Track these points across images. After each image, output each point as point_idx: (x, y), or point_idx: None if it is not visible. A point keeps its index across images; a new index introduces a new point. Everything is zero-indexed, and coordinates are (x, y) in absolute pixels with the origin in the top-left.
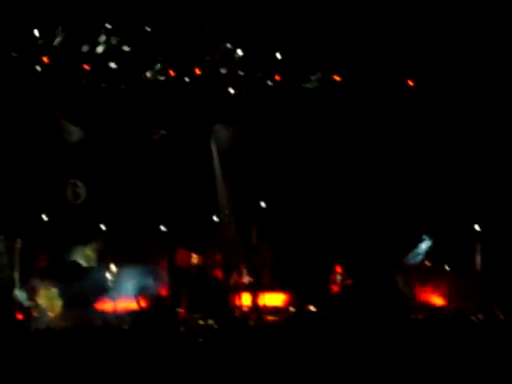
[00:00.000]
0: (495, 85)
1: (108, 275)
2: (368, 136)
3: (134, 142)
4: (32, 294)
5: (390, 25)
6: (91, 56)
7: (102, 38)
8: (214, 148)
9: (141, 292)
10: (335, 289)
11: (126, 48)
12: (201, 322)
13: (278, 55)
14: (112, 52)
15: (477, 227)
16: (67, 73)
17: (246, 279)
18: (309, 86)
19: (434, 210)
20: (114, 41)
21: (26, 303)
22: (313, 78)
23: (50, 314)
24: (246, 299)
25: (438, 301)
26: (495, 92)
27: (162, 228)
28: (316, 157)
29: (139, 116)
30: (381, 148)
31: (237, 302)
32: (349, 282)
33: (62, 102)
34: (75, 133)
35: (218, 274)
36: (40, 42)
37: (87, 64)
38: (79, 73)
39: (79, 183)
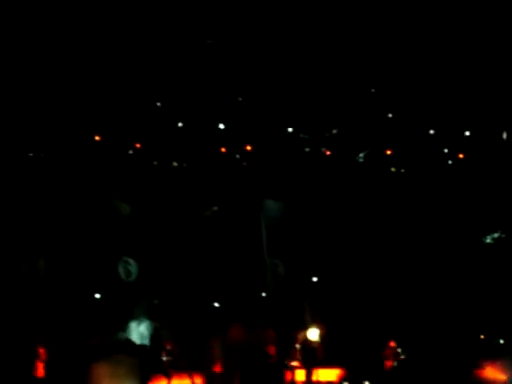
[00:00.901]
0: None
1: (163, 354)
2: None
3: (186, 219)
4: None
5: None
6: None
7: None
8: (263, 222)
9: (194, 369)
10: (389, 364)
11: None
12: None
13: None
14: (163, 130)
15: None
16: (119, 151)
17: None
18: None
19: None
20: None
21: None
22: (361, 154)
23: None
24: (300, 375)
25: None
26: None
27: (216, 304)
28: (366, 229)
29: (190, 193)
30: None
31: (290, 378)
32: (402, 357)
33: (114, 180)
34: (126, 210)
35: (272, 350)
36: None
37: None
38: (130, 150)
39: (131, 261)
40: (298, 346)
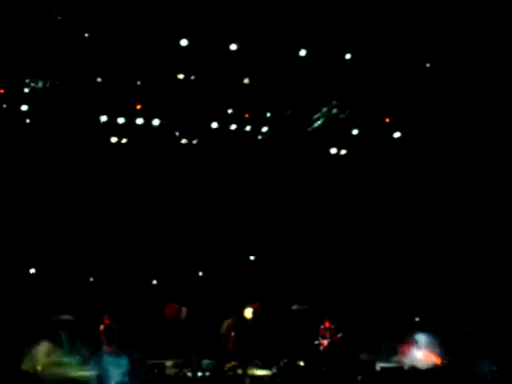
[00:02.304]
0: None
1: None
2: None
3: (126, 193)
4: None
5: None
6: None
7: None
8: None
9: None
10: (324, 343)
11: None
12: (189, 374)
13: None
14: None
15: None
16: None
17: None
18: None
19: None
20: None
21: None
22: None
23: None
24: (236, 353)
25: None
26: None
27: (154, 282)
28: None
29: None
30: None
31: (226, 356)
32: (337, 336)
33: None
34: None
35: (209, 326)
36: None
37: None
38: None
39: None
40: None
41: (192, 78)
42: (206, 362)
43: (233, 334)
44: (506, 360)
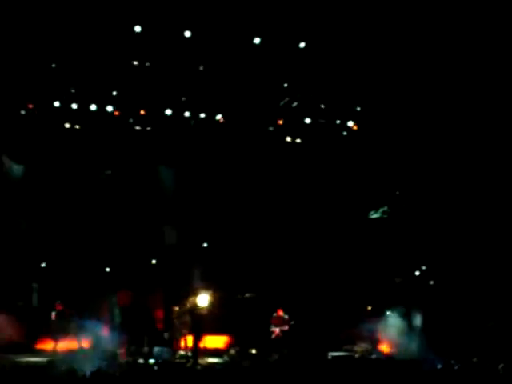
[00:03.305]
0: None
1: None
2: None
3: (79, 182)
4: None
5: None
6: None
7: None
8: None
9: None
10: (276, 331)
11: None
12: (141, 361)
13: None
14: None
15: None
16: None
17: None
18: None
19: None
20: None
21: None
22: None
23: None
24: (188, 341)
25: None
26: None
27: (107, 269)
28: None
29: (83, 156)
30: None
31: (178, 344)
32: (290, 324)
33: (6, 141)
34: (19, 171)
35: (160, 314)
36: None
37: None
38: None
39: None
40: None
41: (147, 64)
42: (157, 349)
43: (187, 319)
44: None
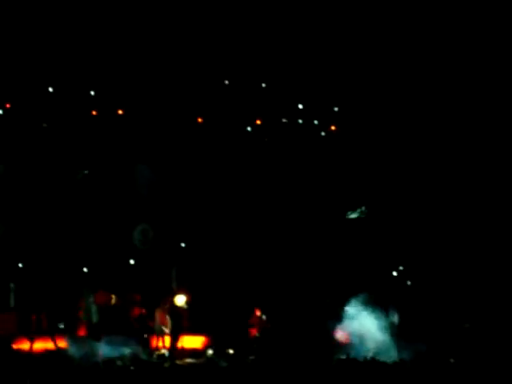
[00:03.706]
0: None
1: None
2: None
3: (57, 182)
4: None
5: None
6: None
7: None
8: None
9: (58, 332)
10: (254, 332)
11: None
12: (119, 363)
13: None
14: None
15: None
16: None
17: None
18: None
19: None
20: None
21: None
22: None
23: None
24: (166, 341)
25: None
26: None
27: (84, 270)
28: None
29: (61, 156)
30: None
31: (156, 344)
32: (268, 325)
33: None
34: None
35: (138, 314)
36: None
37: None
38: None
39: None
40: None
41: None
42: (134, 349)
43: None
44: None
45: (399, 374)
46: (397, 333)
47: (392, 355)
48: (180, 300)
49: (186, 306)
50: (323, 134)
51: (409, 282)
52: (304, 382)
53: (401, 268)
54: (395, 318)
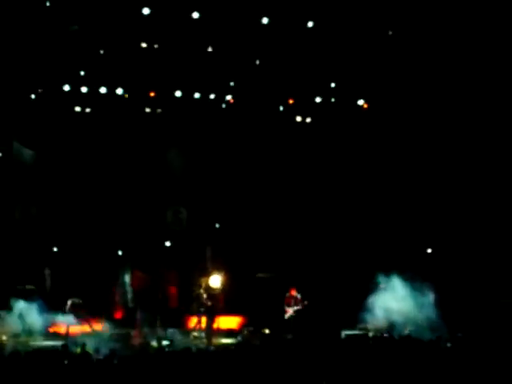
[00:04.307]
0: None
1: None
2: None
3: (90, 167)
4: None
5: None
6: None
7: None
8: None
9: (95, 315)
10: (289, 311)
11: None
12: (154, 345)
13: None
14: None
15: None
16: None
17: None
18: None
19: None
20: None
21: None
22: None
23: None
24: (202, 322)
25: None
26: None
27: (119, 252)
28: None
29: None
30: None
31: (192, 325)
32: (303, 304)
33: (17, 126)
34: (30, 156)
35: (173, 295)
36: None
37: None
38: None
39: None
40: (201, 291)
41: (155, 46)
42: (170, 330)
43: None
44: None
45: (434, 351)
46: (433, 312)
47: (428, 335)
48: (214, 280)
49: (220, 287)
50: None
51: (444, 260)
52: (340, 361)
53: (435, 246)
54: (431, 298)
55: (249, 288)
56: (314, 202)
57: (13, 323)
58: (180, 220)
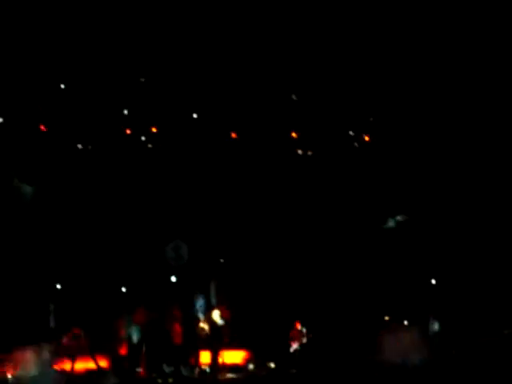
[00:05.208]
0: None
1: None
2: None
3: (90, 202)
4: None
5: None
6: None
7: None
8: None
9: (99, 351)
10: (294, 345)
11: None
12: (159, 382)
13: None
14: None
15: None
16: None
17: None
18: None
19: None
20: None
21: None
22: None
23: None
24: (205, 357)
25: None
26: None
27: (123, 289)
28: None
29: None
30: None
31: (197, 360)
32: (306, 338)
33: (16, 161)
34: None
35: (177, 332)
36: None
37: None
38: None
39: None
40: (205, 327)
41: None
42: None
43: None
44: None
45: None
46: (438, 342)
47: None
48: (216, 315)
49: (221, 321)
50: (356, 144)
51: (448, 291)
52: None
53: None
54: (436, 327)
55: (253, 322)
56: (317, 237)
57: None
58: (180, 256)
